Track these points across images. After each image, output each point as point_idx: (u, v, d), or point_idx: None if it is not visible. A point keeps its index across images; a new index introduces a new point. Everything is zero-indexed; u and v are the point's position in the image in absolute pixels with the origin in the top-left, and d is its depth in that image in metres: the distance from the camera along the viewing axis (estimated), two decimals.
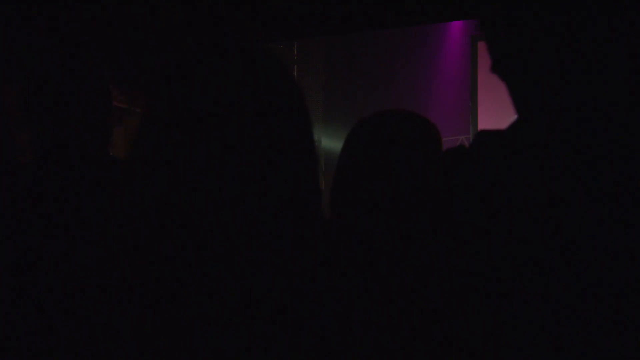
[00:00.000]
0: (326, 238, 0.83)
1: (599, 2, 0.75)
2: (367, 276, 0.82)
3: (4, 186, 1.27)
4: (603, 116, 0.77)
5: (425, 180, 0.86)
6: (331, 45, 6.96)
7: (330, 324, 0.78)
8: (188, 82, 0.81)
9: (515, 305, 0.75)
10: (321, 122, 6.81)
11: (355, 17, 3.45)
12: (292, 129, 0.83)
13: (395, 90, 6.62)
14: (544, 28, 0.78)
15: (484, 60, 6.52)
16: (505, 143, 0.82)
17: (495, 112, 6.33)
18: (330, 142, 6.74)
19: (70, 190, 1.24)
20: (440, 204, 0.81)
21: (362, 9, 3.31)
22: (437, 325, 0.79)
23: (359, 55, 6.93)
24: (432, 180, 0.85)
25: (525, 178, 0.77)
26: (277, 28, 3.59)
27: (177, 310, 0.77)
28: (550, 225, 0.74)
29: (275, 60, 0.86)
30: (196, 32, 3.37)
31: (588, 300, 0.73)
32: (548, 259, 0.74)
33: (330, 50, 7.01)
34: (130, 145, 0.83)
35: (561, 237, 0.74)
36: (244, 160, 0.79)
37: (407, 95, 6.56)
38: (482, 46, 6.56)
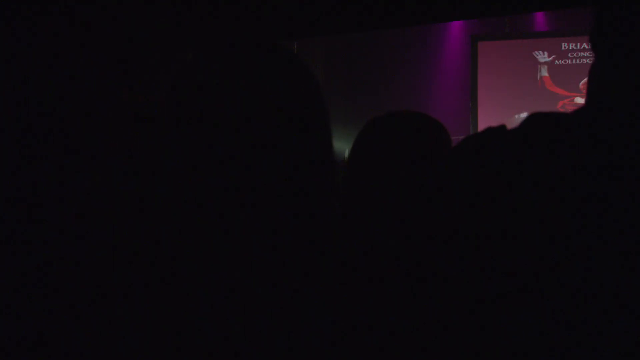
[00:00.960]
0: (336, 237, 0.83)
1: None
2: (376, 276, 0.82)
3: (4, 185, 1.27)
4: None
5: (437, 181, 0.84)
6: (331, 45, 6.95)
7: (338, 323, 0.78)
8: (205, 82, 0.81)
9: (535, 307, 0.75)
10: None
11: (355, 17, 3.45)
12: (311, 129, 0.83)
13: (396, 90, 6.61)
14: None
15: (484, 60, 6.51)
16: (564, 131, 0.77)
17: (495, 112, 6.33)
18: None
19: (76, 189, 1.25)
20: (452, 204, 0.79)
21: (362, 9, 3.31)
22: (452, 326, 0.79)
23: (359, 55, 6.93)
24: (445, 181, 0.83)
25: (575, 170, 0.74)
26: (277, 28, 3.58)
27: (188, 309, 0.77)
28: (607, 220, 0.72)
29: (295, 59, 0.85)
30: (195, 32, 3.37)
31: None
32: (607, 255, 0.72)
33: (330, 50, 7.01)
34: (147, 145, 0.83)
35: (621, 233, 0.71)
36: (262, 161, 0.78)
37: (407, 95, 6.55)
38: (482, 46, 6.56)
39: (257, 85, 0.81)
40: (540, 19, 6.54)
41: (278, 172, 0.79)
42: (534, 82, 6.32)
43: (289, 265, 0.78)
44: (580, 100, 6.03)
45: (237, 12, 3.30)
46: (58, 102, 1.34)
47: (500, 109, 6.23)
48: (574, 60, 6.22)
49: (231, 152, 0.79)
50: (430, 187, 0.86)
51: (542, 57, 6.33)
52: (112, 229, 0.85)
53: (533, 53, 6.36)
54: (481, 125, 6.37)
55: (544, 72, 6.32)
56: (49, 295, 1.12)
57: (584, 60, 6.09)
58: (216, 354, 0.77)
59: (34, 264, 1.17)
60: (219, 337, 0.77)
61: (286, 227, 0.79)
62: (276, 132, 0.80)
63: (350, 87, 6.94)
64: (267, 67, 0.83)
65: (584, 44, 5.95)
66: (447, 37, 6.86)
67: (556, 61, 6.29)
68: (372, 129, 1.35)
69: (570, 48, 6.22)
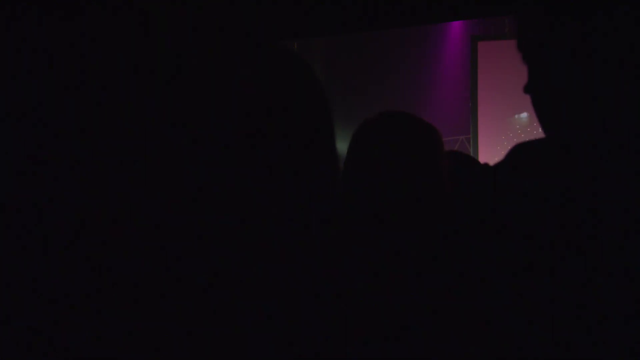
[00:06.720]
0: (331, 238, 0.83)
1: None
2: (370, 275, 0.83)
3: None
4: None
5: (429, 182, 0.86)
6: (331, 45, 6.96)
7: (337, 323, 0.79)
8: (200, 80, 0.81)
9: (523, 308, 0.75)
10: None
11: (355, 17, 3.45)
12: (313, 128, 0.83)
13: (396, 90, 6.62)
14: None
15: (484, 60, 6.51)
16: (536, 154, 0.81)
17: (495, 112, 6.33)
18: None
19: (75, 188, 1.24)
20: (442, 207, 0.81)
21: (362, 9, 3.31)
22: (437, 326, 0.79)
23: (359, 55, 6.93)
24: (438, 184, 0.84)
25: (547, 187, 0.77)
26: (277, 28, 3.59)
27: (185, 308, 0.77)
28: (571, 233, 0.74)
29: (296, 58, 0.85)
30: (195, 31, 3.36)
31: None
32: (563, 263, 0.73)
33: (330, 50, 7.02)
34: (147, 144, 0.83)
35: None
36: (262, 159, 0.78)
37: (407, 95, 6.56)
38: (482, 46, 6.56)
39: (259, 84, 0.81)
40: None
41: (278, 170, 0.80)
42: None
43: (289, 264, 0.78)
44: None
45: (237, 12, 3.31)
46: (57, 101, 1.34)
47: (500, 109, 6.23)
48: None
49: (231, 149, 0.79)
50: (421, 188, 0.87)
51: None
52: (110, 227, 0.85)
53: None
54: (481, 125, 6.38)
55: None
56: (49, 295, 1.12)
57: None
58: (216, 352, 0.77)
59: (33, 264, 1.17)
60: (220, 335, 0.77)
61: (287, 226, 0.79)
62: (277, 131, 0.80)
63: (350, 87, 6.95)
64: (269, 67, 0.83)
65: None
66: (447, 37, 6.87)
67: None
68: (364, 130, 1.38)
69: None
